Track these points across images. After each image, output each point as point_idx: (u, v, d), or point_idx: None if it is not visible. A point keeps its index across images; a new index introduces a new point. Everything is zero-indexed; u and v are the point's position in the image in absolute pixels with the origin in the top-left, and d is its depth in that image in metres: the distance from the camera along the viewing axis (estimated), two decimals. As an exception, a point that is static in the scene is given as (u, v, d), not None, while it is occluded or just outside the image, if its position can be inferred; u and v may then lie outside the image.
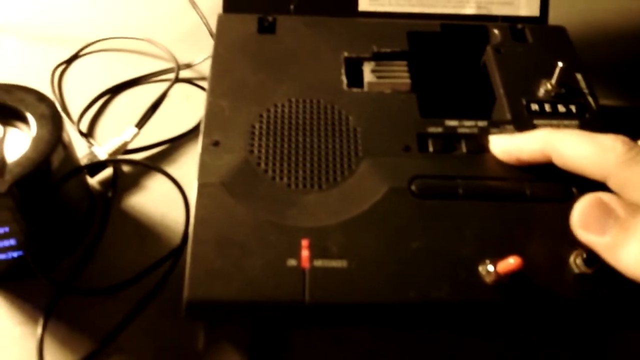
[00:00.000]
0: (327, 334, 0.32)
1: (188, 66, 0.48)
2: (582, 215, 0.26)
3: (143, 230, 0.37)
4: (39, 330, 0.32)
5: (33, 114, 0.32)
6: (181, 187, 0.34)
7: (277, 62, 0.36)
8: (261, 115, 0.33)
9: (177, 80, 0.45)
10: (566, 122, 0.34)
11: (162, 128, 0.43)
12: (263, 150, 0.31)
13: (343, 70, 0.35)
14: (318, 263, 0.27)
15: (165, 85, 0.45)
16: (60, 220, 0.34)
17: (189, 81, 0.47)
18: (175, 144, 0.43)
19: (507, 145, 0.31)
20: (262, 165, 0.31)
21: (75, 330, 0.32)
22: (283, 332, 0.31)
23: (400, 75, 0.35)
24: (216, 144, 0.31)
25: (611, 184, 0.27)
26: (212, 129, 0.32)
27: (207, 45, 0.47)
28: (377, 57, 0.36)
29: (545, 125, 0.33)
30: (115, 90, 0.46)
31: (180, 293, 0.26)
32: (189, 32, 0.52)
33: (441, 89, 0.36)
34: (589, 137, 0.28)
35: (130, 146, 0.41)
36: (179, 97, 0.46)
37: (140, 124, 0.41)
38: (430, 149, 0.32)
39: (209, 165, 0.30)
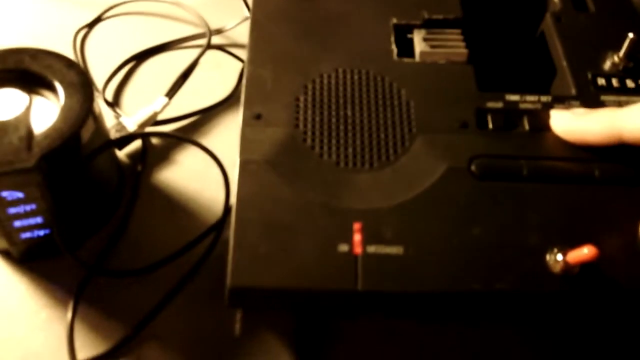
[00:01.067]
0: (375, 324, 0.30)
1: (219, 32, 0.46)
2: None
3: (175, 207, 0.35)
4: (69, 314, 0.31)
5: (61, 82, 0.31)
6: (219, 160, 0.32)
7: (320, 28, 0.34)
8: (306, 87, 0.31)
9: (209, 47, 0.43)
10: (635, 98, 0.31)
11: (193, 98, 0.41)
12: (309, 125, 0.29)
13: (392, 39, 0.33)
14: (371, 249, 0.26)
15: (194, 52, 0.43)
16: (89, 197, 0.33)
17: (220, 48, 0.45)
18: (208, 115, 0.41)
19: (570, 125, 0.29)
20: (309, 141, 0.29)
21: (107, 314, 0.31)
22: (329, 320, 0.30)
23: (455, 45, 0.33)
24: (258, 117, 0.29)
25: None
26: (254, 101, 0.30)
27: (239, 9, 0.45)
28: (429, 25, 0.34)
29: (613, 102, 0.31)
30: (142, 57, 0.45)
31: (220, 274, 0.25)
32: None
33: (498, 60, 0.34)
34: None
35: (160, 117, 0.39)
36: (210, 65, 0.44)
37: (171, 93, 0.40)
38: (490, 125, 0.30)
39: (251, 140, 0.29)
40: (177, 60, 0.43)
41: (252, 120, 0.29)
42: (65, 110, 0.30)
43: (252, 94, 0.30)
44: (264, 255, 0.25)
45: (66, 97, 0.30)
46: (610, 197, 0.27)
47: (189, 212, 0.35)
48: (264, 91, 0.31)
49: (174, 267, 0.32)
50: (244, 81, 0.31)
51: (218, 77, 0.43)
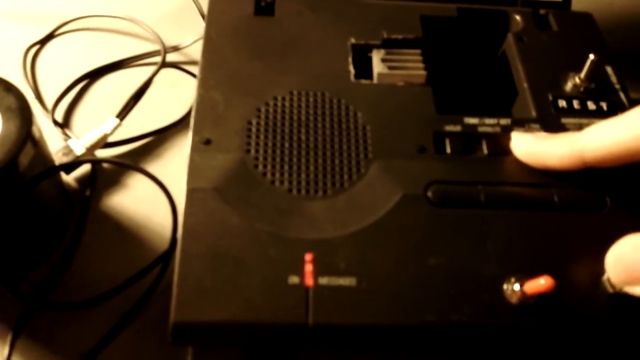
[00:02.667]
0: (331, 357, 0.30)
1: (175, 49, 0.45)
2: (618, 270, 0.25)
3: (125, 235, 0.35)
4: (6, 351, 0.30)
5: (-1, 105, 0.30)
6: (166, 189, 0.31)
7: (276, 48, 0.34)
8: (259, 110, 0.30)
9: (164, 64, 0.43)
10: (596, 121, 0.31)
11: (146, 118, 0.40)
12: (261, 150, 0.29)
13: (350, 59, 0.33)
14: (323, 281, 0.25)
15: (149, 69, 0.43)
16: (32, 225, 0.32)
17: (176, 66, 0.45)
18: (162, 137, 0.40)
19: (531, 149, 0.29)
20: (260, 167, 0.28)
21: (48, 350, 0.30)
22: (284, 356, 0.29)
23: (414, 66, 0.33)
24: (208, 142, 0.29)
25: None
26: (204, 125, 0.30)
27: (196, 26, 0.45)
28: (388, 45, 0.34)
29: (574, 124, 0.31)
30: (95, 75, 0.44)
31: (168, 307, 0.24)
32: (176, 10, 0.49)
33: (458, 82, 0.34)
34: (618, 118, 0.27)
35: (112, 138, 0.39)
36: (165, 83, 0.43)
37: (122, 114, 0.39)
38: (448, 150, 0.30)
39: (200, 167, 0.28)
40: (132, 79, 0.42)
41: (201, 146, 0.29)
42: (2, 137, 0.29)
43: (202, 118, 0.30)
44: (210, 289, 0.25)
45: (3, 122, 0.29)
46: (570, 224, 0.28)
47: (139, 240, 0.34)
48: (214, 115, 0.30)
49: (121, 299, 0.31)
50: (193, 104, 0.30)
51: (174, 96, 0.42)
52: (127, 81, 0.42)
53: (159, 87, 0.42)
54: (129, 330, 0.31)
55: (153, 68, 0.42)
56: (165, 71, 0.44)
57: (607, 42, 0.36)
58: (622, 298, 0.25)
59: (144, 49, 0.45)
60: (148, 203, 0.36)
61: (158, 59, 0.44)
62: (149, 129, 0.40)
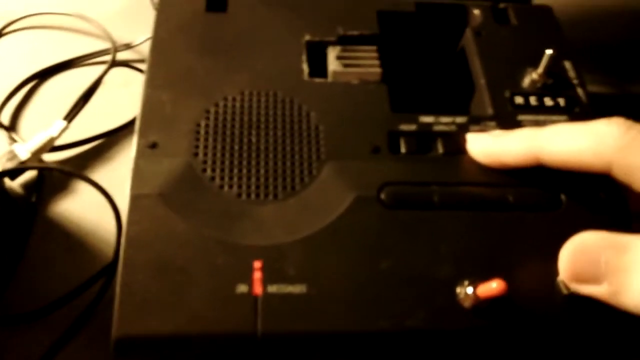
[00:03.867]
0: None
1: (128, 47, 0.44)
2: (570, 268, 0.25)
3: (73, 243, 0.34)
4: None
5: None
6: (110, 197, 0.31)
7: (227, 46, 0.33)
8: (208, 111, 0.30)
9: (114, 63, 0.42)
10: (554, 117, 0.32)
11: (97, 120, 0.40)
12: (209, 154, 0.28)
13: (304, 57, 0.33)
14: (272, 289, 0.25)
15: (101, 69, 0.41)
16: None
17: (128, 64, 0.44)
18: (113, 139, 0.39)
19: (487, 147, 0.29)
20: (209, 171, 0.28)
21: (-10, 366, 0.29)
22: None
23: (369, 63, 0.32)
24: (154, 146, 0.28)
25: (615, 173, 0.26)
26: (150, 128, 0.29)
27: (150, 22, 0.44)
28: (344, 41, 0.34)
29: (531, 122, 0.31)
30: (43, 75, 0.43)
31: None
32: (129, 7, 0.48)
33: (415, 79, 0.34)
34: (581, 127, 0.27)
35: (60, 141, 0.38)
36: (116, 83, 0.42)
37: (70, 116, 0.38)
38: (403, 149, 0.29)
39: (145, 172, 0.27)
40: (82, 79, 0.41)
41: (146, 150, 0.28)
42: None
43: (148, 120, 0.29)
44: (154, 300, 0.24)
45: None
46: (525, 224, 0.28)
47: (88, 249, 0.33)
48: (161, 116, 0.29)
49: (67, 310, 0.30)
50: (139, 106, 0.30)
51: (126, 96, 0.42)
52: (77, 81, 0.41)
53: (110, 87, 0.41)
54: (75, 343, 0.30)
55: (104, 67, 0.41)
56: (117, 70, 0.43)
57: (567, 36, 0.36)
58: (576, 299, 0.26)
59: (94, 48, 0.44)
60: (96, 210, 0.35)
61: (109, 57, 0.43)
62: (100, 131, 0.39)
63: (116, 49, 0.43)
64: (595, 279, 0.24)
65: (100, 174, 0.37)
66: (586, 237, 0.25)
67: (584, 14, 0.50)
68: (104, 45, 0.44)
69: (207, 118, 0.30)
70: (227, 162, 0.28)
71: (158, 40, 0.33)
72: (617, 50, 0.48)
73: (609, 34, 0.49)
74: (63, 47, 0.44)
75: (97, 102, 0.40)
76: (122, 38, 0.44)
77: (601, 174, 0.27)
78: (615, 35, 0.50)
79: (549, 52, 0.32)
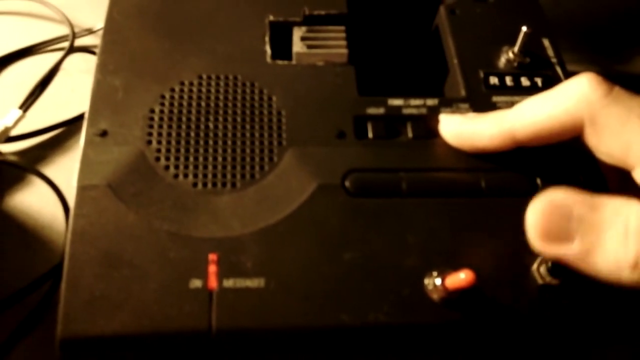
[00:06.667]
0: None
1: (90, 32, 0.43)
2: (539, 224, 0.23)
3: (28, 239, 0.32)
4: None
5: None
6: (59, 190, 0.29)
7: (186, 28, 0.32)
8: (163, 97, 0.29)
9: (73, 49, 0.40)
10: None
11: (56, 108, 0.38)
12: (164, 142, 0.27)
13: (267, 39, 0.31)
14: (228, 283, 0.24)
15: (60, 55, 0.40)
16: None
17: (89, 50, 0.42)
18: (72, 128, 0.38)
19: (459, 129, 0.28)
20: (163, 160, 0.27)
21: None
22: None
23: (335, 44, 0.31)
24: (104, 134, 0.27)
25: (586, 133, 0.25)
26: (100, 115, 0.28)
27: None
28: (309, 21, 0.33)
29: (506, 103, 0.30)
30: (2, 63, 0.41)
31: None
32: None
33: (385, 60, 0.33)
34: (550, 92, 0.26)
35: (16, 131, 0.36)
36: (77, 69, 0.41)
37: (26, 104, 0.37)
38: (370, 134, 0.28)
39: (94, 161, 0.26)
40: (42, 66, 0.40)
41: (96, 138, 0.27)
42: None
43: (99, 107, 0.28)
44: (102, 298, 0.23)
45: None
46: (498, 210, 0.26)
47: (43, 244, 0.32)
48: (113, 103, 0.28)
49: (18, 309, 0.29)
50: (90, 92, 0.28)
51: (87, 83, 0.40)
52: (36, 69, 0.40)
53: (69, 74, 0.40)
54: (27, 342, 0.29)
55: (62, 53, 0.40)
56: (78, 56, 0.42)
57: (555, 14, 0.35)
58: (552, 289, 0.25)
59: (54, 34, 0.43)
60: (52, 204, 0.34)
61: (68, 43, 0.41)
62: (58, 120, 0.38)
63: (75, 34, 0.41)
64: (566, 236, 0.23)
65: (58, 165, 0.35)
66: (558, 193, 0.23)
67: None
68: (65, 31, 0.43)
69: (162, 104, 0.28)
70: (182, 150, 0.27)
71: (111, 22, 0.32)
72: (606, 29, 0.47)
73: (598, 12, 0.48)
74: (21, 33, 0.43)
75: (57, 90, 0.38)
76: (83, 23, 0.43)
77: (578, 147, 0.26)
78: (604, 14, 0.48)
79: (524, 29, 0.31)
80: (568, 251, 0.23)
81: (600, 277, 0.23)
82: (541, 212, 0.23)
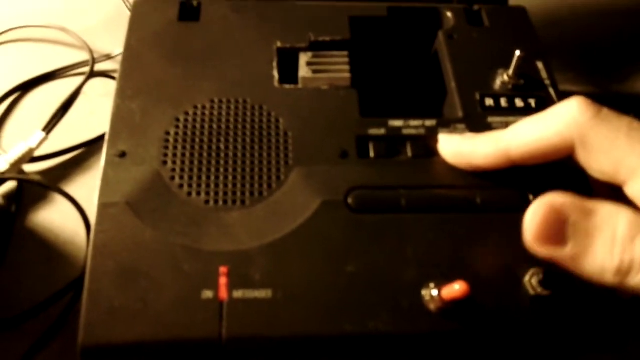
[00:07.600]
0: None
1: (108, 57, 0.45)
2: (537, 226, 0.24)
3: (51, 253, 0.34)
4: None
5: None
6: (81, 207, 0.31)
7: (198, 55, 0.33)
8: (177, 120, 0.30)
9: (93, 74, 0.42)
10: (525, 118, 0.32)
11: (76, 130, 0.40)
12: (178, 162, 0.29)
13: (275, 64, 0.33)
14: (238, 294, 0.25)
15: (81, 80, 0.42)
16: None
17: (108, 75, 0.45)
18: (92, 149, 0.40)
19: (457, 149, 0.30)
20: (177, 179, 0.28)
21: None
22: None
23: (338, 69, 0.33)
24: (123, 155, 0.29)
25: (577, 154, 0.26)
26: (119, 137, 0.29)
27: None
28: (315, 47, 0.34)
29: (501, 123, 0.31)
30: (26, 87, 0.44)
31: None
32: (110, 19, 0.49)
33: (386, 84, 0.34)
34: (542, 114, 0.27)
35: (40, 152, 0.38)
36: (96, 93, 0.43)
37: (49, 126, 0.39)
38: (372, 154, 0.30)
39: (113, 180, 0.28)
40: (64, 90, 0.42)
41: (115, 159, 0.29)
42: None
43: (118, 129, 0.30)
44: (121, 308, 0.25)
45: None
46: (493, 225, 0.28)
47: (65, 259, 0.34)
48: (131, 125, 0.30)
49: (41, 319, 0.31)
50: (110, 116, 0.30)
51: (106, 106, 0.42)
52: (58, 93, 0.42)
53: (90, 98, 0.42)
54: (48, 351, 0.30)
55: (83, 78, 0.42)
56: (98, 81, 0.44)
57: (542, 37, 0.36)
58: (544, 300, 0.26)
59: (75, 59, 0.45)
60: (74, 220, 0.35)
61: (89, 68, 0.43)
62: (79, 141, 0.40)
63: (95, 60, 0.43)
64: (561, 240, 0.24)
65: (79, 184, 0.37)
66: (556, 197, 0.25)
67: (570, 13, 0.50)
68: (85, 57, 0.45)
69: (177, 126, 0.30)
70: (195, 170, 0.29)
71: (130, 50, 0.33)
72: (602, 49, 0.49)
73: (594, 33, 0.50)
74: (44, 59, 0.45)
75: (78, 113, 0.40)
76: (103, 49, 0.45)
77: (570, 165, 0.27)
78: (600, 34, 0.50)
79: (518, 52, 0.32)
80: (560, 253, 0.24)
81: (585, 277, 0.24)
82: (540, 214, 0.24)
